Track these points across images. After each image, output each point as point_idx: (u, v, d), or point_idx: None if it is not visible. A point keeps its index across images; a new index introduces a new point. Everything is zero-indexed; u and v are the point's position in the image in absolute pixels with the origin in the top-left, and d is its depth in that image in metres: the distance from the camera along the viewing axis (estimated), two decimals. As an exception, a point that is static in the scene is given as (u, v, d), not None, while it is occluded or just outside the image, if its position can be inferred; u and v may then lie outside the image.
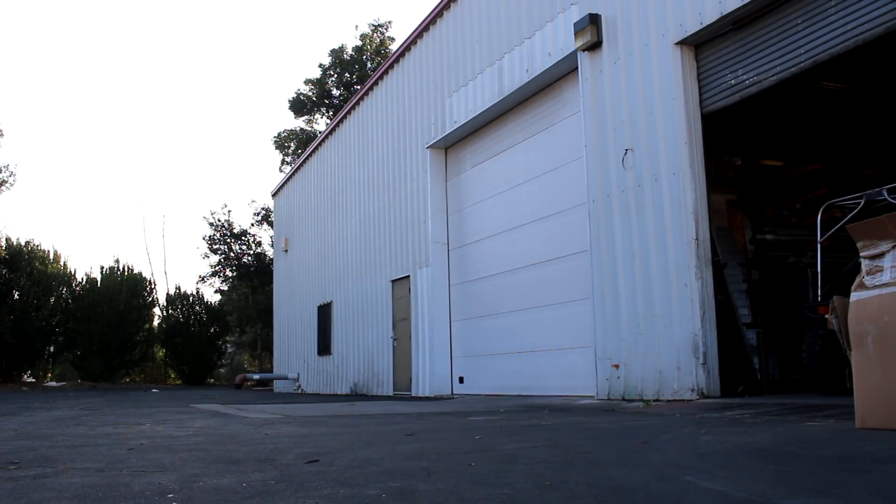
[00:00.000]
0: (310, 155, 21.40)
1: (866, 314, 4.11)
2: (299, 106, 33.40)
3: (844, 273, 7.28)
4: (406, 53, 15.06)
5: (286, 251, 23.06)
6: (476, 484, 2.77)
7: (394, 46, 30.85)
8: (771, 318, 9.13)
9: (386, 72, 16.04)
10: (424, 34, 14.24)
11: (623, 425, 5.20)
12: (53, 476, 3.24)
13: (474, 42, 12.44)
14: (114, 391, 20.60)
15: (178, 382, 30.64)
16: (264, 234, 33.74)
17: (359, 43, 32.55)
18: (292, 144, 33.63)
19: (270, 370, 25.94)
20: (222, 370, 37.61)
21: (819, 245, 7.42)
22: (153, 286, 30.70)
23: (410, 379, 14.17)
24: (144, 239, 77.08)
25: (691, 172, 7.99)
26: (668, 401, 7.81)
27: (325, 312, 19.46)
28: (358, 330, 17.12)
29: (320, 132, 26.51)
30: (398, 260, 15.08)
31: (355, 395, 16.09)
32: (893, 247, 4.11)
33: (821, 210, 7.55)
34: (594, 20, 9.28)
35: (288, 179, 23.60)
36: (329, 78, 33.22)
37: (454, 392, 13.12)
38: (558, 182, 10.68)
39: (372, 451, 3.98)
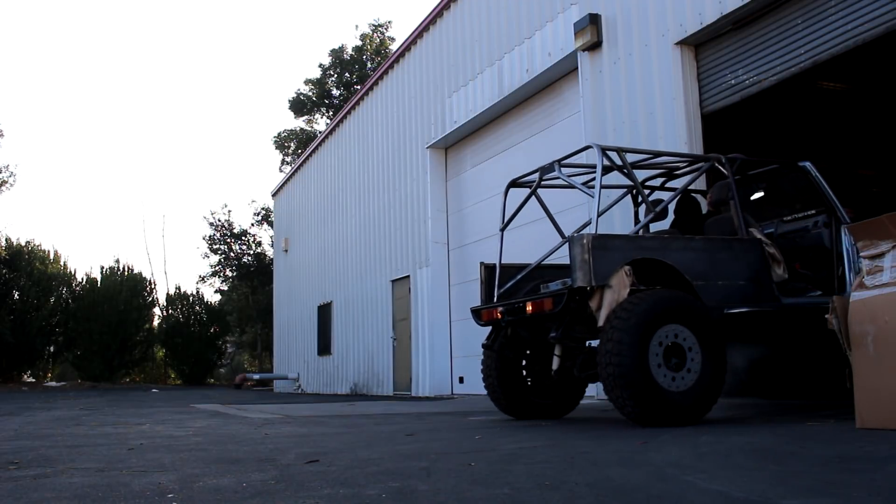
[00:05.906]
0: (310, 155, 21.40)
1: (866, 314, 4.11)
2: (299, 106, 33.40)
3: (530, 271, 6.27)
4: (406, 53, 15.06)
5: (286, 251, 23.06)
6: (476, 484, 2.76)
7: (394, 46, 30.84)
8: None
9: (386, 72, 16.03)
10: (424, 34, 14.24)
11: (623, 425, 5.20)
12: (53, 476, 3.24)
13: (474, 42, 12.44)
14: (114, 391, 20.60)
15: (178, 382, 30.64)
16: (264, 234, 33.76)
17: (359, 43, 32.54)
18: (292, 144, 33.63)
19: (270, 370, 25.94)
20: (222, 370, 37.62)
21: (501, 233, 6.41)
22: (153, 286, 30.72)
23: (410, 379, 14.16)
24: (144, 239, 77.22)
25: (691, 172, 7.98)
26: (668, 401, 7.78)
27: (325, 312, 19.46)
28: (358, 330, 17.12)
29: (320, 132, 26.50)
30: (398, 260, 15.07)
31: (355, 395, 16.09)
32: (893, 247, 4.11)
33: (505, 190, 6.64)
34: (594, 20, 9.29)
35: (288, 179, 23.61)
36: (329, 78, 33.22)
37: (454, 392, 13.12)
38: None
39: (372, 451, 3.98)
